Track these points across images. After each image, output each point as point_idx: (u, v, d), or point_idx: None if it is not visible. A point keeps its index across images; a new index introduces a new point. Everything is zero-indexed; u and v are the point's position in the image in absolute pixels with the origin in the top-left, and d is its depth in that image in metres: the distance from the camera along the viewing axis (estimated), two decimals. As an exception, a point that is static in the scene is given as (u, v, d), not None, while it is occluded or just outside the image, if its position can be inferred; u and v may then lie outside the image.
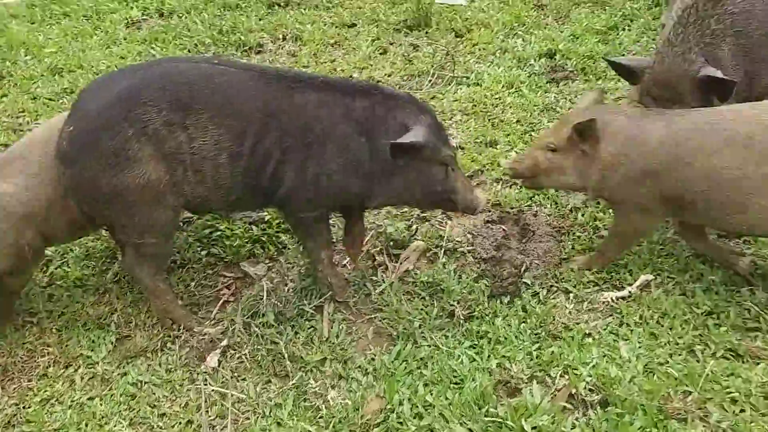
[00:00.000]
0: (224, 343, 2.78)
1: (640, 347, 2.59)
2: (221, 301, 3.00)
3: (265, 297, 2.92)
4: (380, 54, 4.98)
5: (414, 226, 3.29)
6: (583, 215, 3.27)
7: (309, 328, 2.80)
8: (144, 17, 5.75)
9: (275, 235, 3.29)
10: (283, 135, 2.58)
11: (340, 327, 2.80)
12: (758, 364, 2.48)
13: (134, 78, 2.54)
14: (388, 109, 2.64)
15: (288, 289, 2.97)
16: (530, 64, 4.59)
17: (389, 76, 4.67)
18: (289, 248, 3.21)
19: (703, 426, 2.28)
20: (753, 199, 2.50)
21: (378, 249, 3.17)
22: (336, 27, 5.38)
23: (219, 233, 3.32)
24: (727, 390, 2.39)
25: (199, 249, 3.27)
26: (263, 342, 2.75)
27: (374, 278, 3.04)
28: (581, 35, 4.84)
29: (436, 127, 2.68)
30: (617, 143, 2.68)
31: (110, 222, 2.76)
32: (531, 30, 5.06)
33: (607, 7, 5.24)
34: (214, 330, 2.86)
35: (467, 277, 2.98)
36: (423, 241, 3.22)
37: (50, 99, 4.55)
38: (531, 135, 3.87)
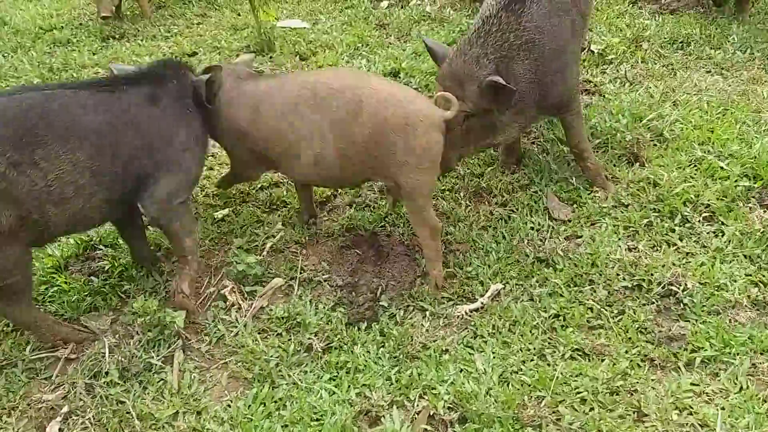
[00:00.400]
0: (65, 409, 2.56)
1: (494, 357, 2.64)
2: (61, 362, 2.77)
3: (107, 353, 2.72)
4: (225, 82, 4.85)
5: (265, 261, 3.19)
6: (434, 231, 3.30)
7: (159, 382, 2.63)
8: (-36, 59, 5.31)
9: (118, 285, 3.09)
10: (138, 134, 2.68)
11: (192, 376, 2.65)
12: (603, 360, 2.59)
13: None
14: (185, 75, 2.96)
15: (133, 342, 2.78)
16: (376, 84, 4.61)
17: (235, 104, 4.55)
18: (134, 298, 3.01)
19: (557, 429, 2.34)
20: (302, 157, 2.88)
21: (229, 288, 3.04)
22: (176, 56, 5.19)
23: (56, 288, 3.08)
24: (577, 390, 2.47)
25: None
26: (108, 403, 2.55)
27: (227, 319, 2.92)
28: (423, 53, 4.93)
29: None
30: (224, 101, 2.98)
31: None
32: (375, 50, 5.11)
33: (445, 24, 5.40)
34: (53, 396, 2.63)
35: (324, 307, 2.93)
36: (278, 274, 3.13)
37: None
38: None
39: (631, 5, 5.54)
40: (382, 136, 2.74)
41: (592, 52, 4.72)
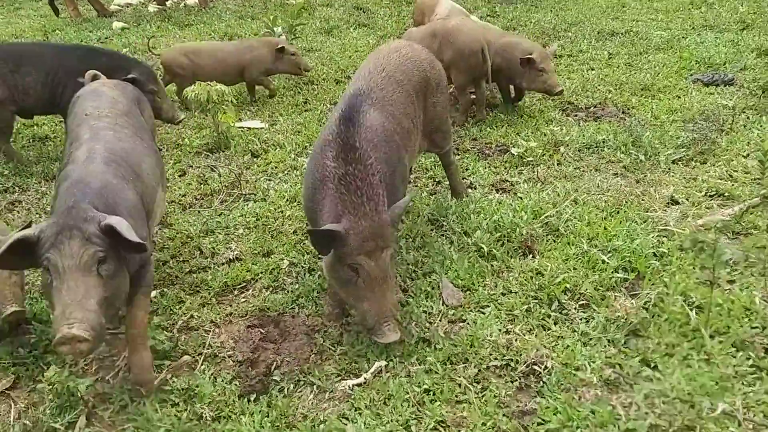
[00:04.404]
0: (-31, 468, 2.82)
1: (365, 427, 2.89)
2: (-24, 427, 3.04)
3: (12, 417, 3.00)
4: (179, 176, 5.30)
5: (175, 337, 3.50)
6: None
7: (58, 445, 2.90)
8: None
9: (41, 357, 3.39)
10: None
11: (89, 440, 2.91)
12: (460, 431, 2.85)
13: None
14: None
15: (43, 408, 3.05)
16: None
17: (184, 196, 4.98)
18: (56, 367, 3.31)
19: (402, 492, 2.58)
20: None
21: (139, 361, 3.33)
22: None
23: (-16, 359, 3.38)
24: (431, 457, 2.72)
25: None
26: (8, 463, 2.81)
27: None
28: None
29: None
30: None
31: None
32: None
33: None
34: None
35: (222, 380, 3.20)
36: (186, 351, 3.42)
37: None
38: (304, 243, 4.26)
39: (561, 112, 6.04)
40: None
41: (512, 154, 5.16)
